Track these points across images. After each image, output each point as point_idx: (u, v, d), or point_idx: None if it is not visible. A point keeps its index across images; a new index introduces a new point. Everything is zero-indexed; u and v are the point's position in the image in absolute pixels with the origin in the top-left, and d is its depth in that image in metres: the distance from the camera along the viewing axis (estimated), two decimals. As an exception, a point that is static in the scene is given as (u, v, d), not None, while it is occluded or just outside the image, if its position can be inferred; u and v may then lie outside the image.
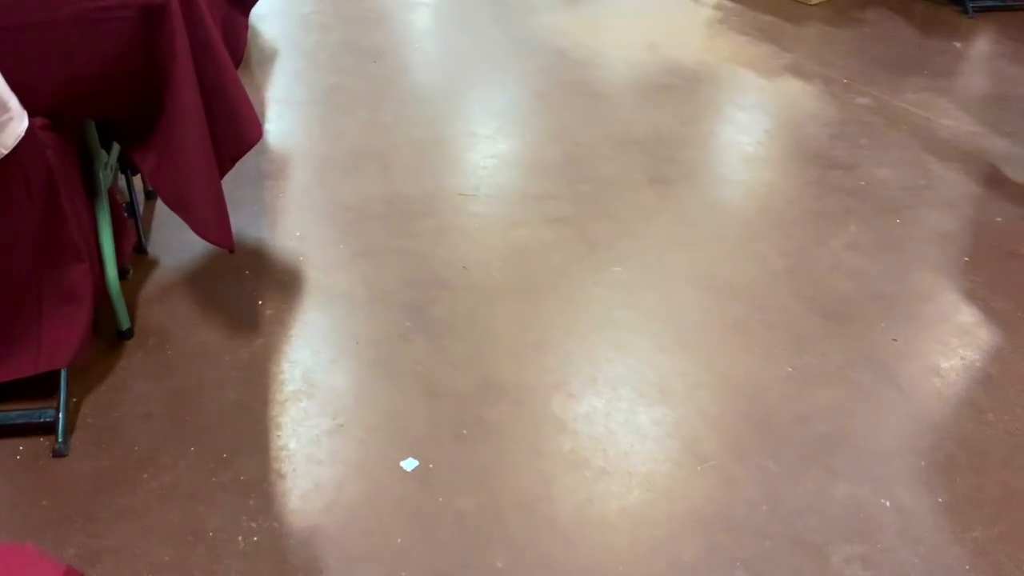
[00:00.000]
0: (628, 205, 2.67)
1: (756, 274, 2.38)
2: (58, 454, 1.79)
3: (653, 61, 3.63)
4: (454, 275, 2.34)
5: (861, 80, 3.52)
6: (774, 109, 3.28)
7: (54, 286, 1.84)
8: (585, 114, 3.20)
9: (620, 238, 2.51)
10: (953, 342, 2.17)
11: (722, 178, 2.84)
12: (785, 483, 1.78)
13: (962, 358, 2.12)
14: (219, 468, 1.78)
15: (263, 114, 3.15)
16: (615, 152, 2.95)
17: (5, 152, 1.60)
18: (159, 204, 2.59)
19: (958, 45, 3.92)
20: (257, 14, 4.00)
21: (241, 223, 2.52)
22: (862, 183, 2.82)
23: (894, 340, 2.17)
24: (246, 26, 2.52)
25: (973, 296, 2.33)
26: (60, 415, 1.81)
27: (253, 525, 1.66)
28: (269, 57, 3.61)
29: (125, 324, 2.08)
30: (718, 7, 4.24)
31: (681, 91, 3.39)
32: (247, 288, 2.28)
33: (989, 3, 4.30)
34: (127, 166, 2.33)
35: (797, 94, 3.40)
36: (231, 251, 2.07)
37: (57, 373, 1.84)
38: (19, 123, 1.61)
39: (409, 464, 1.80)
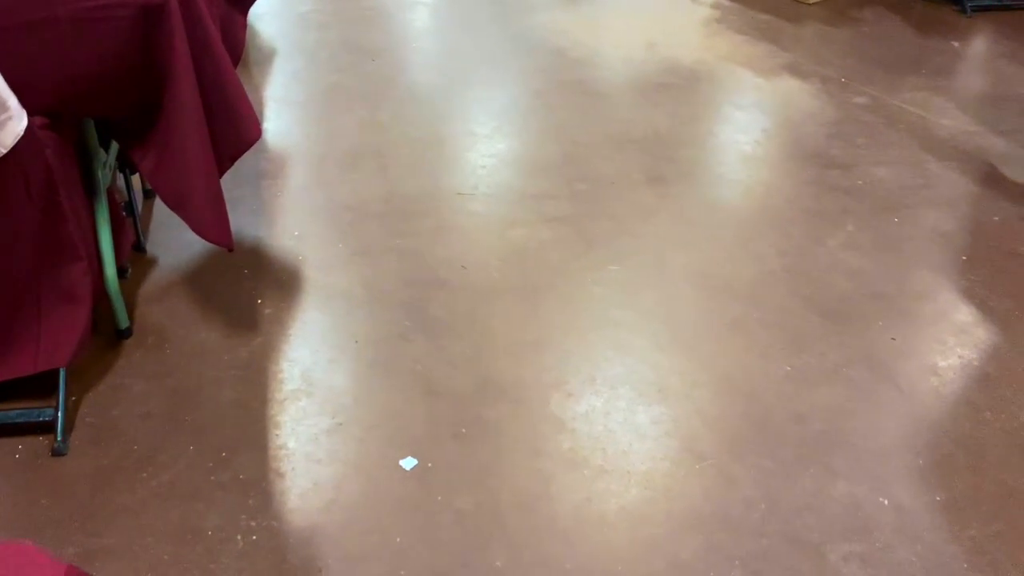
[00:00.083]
0: (626, 204, 2.67)
1: (754, 273, 2.39)
2: (57, 453, 1.79)
3: (651, 60, 3.64)
4: (453, 274, 2.34)
5: (859, 79, 3.53)
6: (772, 108, 3.28)
7: (53, 285, 1.84)
8: (583, 113, 3.20)
9: (618, 237, 2.52)
10: (951, 341, 2.18)
11: (720, 177, 2.84)
12: (783, 482, 1.78)
13: (960, 357, 2.13)
14: (218, 467, 1.78)
15: (261, 113, 3.15)
16: (613, 151, 2.95)
17: (4, 151, 1.60)
18: (158, 203, 2.59)
19: (956, 44, 3.93)
20: (255, 13, 4.00)
21: (240, 222, 2.52)
22: (860, 182, 2.83)
23: (892, 339, 2.17)
24: (244, 25, 2.52)
25: (971, 295, 2.34)
26: (59, 414, 1.82)
27: (252, 524, 1.66)
28: (267, 56, 3.61)
29: (124, 323, 2.08)
30: (716, 6, 4.25)
31: (679, 90, 3.39)
32: (246, 287, 2.28)
33: (987, 2, 4.30)
34: (126, 165, 2.33)
35: (795, 93, 3.40)
36: (230, 250, 2.07)
37: (56, 372, 1.84)
38: (18, 122, 1.61)
39: (408, 463, 1.80)
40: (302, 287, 2.28)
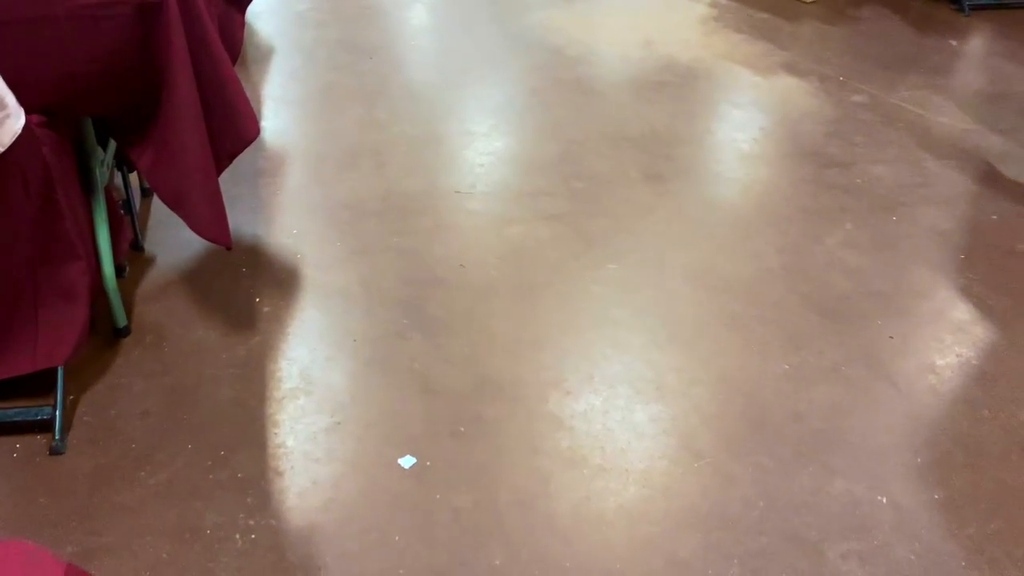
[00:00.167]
0: (624, 202, 2.67)
1: (752, 271, 2.39)
2: (55, 452, 1.79)
3: (648, 58, 3.63)
4: (450, 273, 2.34)
5: (857, 78, 3.53)
6: (770, 107, 3.28)
7: (51, 283, 1.84)
8: (580, 111, 3.20)
9: (616, 235, 2.52)
10: (949, 339, 2.18)
11: (718, 175, 2.84)
12: (781, 480, 1.79)
13: (958, 355, 2.13)
14: (216, 465, 1.78)
15: (259, 112, 3.15)
16: (610, 149, 2.95)
17: (2, 149, 1.60)
18: (156, 201, 2.58)
19: (954, 43, 3.93)
20: (253, 11, 3.99)
21: (238, 221, 2.51)
22: (858, 181, 2.83)
23: (890, 337, 2.17)
24: (242, 23, 2.52)
25: (969, 293, 2.34)
26: (57, 413, 1.81)
27: (251, 522, 1.66)
28: (265, 54, 3.61)
29: (122, 321, 2.08)
30: (713, 4, 4.25)
31: (676, 88, 3.39)
32: (244, 286, 2.28)
33: (985, 1, 4.30)
34: (124, 163, 2.33)
35: (793, 91, 3.40)
36: (228, 248, 2.07)
37: (54, 371, 1.84)
38: (16, 120, 1.61)
39: (406, 461, 1.80)
40: (300, 285, 2.28)
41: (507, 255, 2.42)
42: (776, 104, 3.30)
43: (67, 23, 1.64)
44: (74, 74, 1.71)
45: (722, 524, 1.69)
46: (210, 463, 1.78)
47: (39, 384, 1.87)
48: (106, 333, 2.09)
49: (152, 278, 2.29)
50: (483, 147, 2.95)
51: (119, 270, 2.15)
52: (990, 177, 2.88)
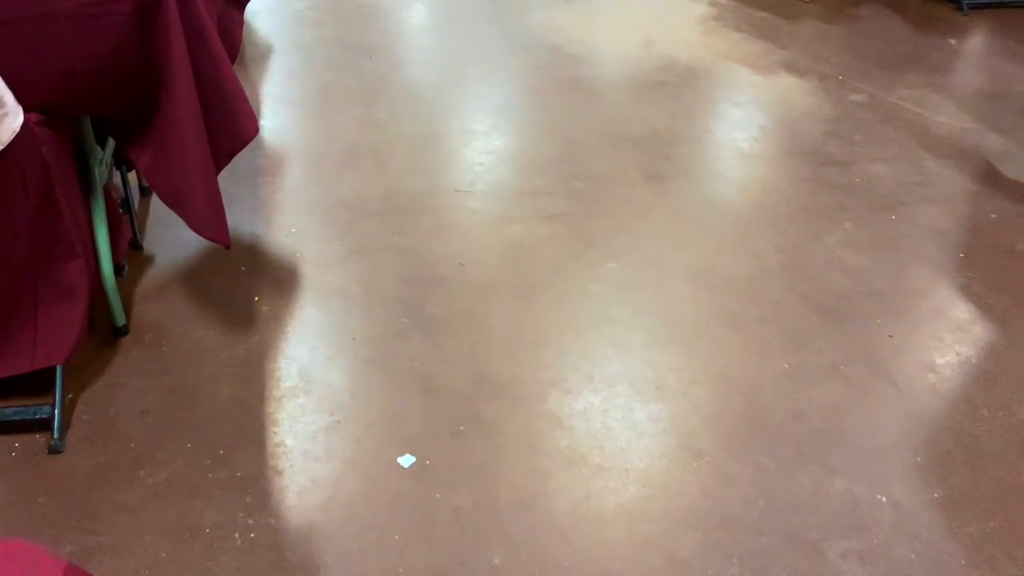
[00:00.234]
0: (623, 201, 2.67)
1: (751, 270, 2.39)
2: (54, 451, 1.78)
3: (648, 58, 3.63)
4: (450, 272, 2.34)
5: (856, 77, 3.53)
6: (769, 106, 3.28)
7: (50, 282, 1.84)
8: (580, 111, 3.20)
9: (615, 234, 2.51)
10: (948, 338, 2.18)
11: (717, 175, 2.84)
12: (781, 479, 1.78)
13: (957, 354, 2.13)
14: (215, 464, 1.77)
15: (258, 111, 3.14)
16: (610, 149, 2.95)
17: (0, 148, 1.59)
18: (154, 200, 2.58)
19: (953, 42, 3.93)
20: (252, 10, 3.99)
21: (237, 220, 2.51)
22: (857, 180, 2.83)
23: (890, 336, 2.17)
24: (241, 22, 2.52)
25: (968, 292, 2.34)
26: (56, 412, 1.81)
27: (250, 522, 1.66)
28: (264, 53, 3.60)
29: (121, 320, 2.08)
30: (713, 4, 4.25)
31: (676, 88, 3.39)
32: (243, 285, 2.27)
33: (983, 0, 4.31)
34: (122, 162, 2.32)
35: (792, 91, 3.40)
36: (227, 247, 2.07)
37: (53, 370, 1.84)
38: (14, 119, 1.61)
39: (406, 460, 1.80)
40: (299, 285, 2.28)
41: (507, 254, 2.42)
42: (775, 103, 3.30)
43: (66, 21, 1.63)
44: (73, 72, 1.70)
45: (722, 523, 1.69)
46: (209, 462, 1.78)
47: (38, 383, 1.87)
48: (105, 332, 2.09)
49: (151, 277, 2.29)
50: (483, 146, 2.95)
51: (118, 269, 2.15)
52: (989, 176, 2.88)
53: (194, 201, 1.90)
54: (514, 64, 3.55)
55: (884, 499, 1.75)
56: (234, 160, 2.00)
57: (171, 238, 2.42)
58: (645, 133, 3.05)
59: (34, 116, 1.73)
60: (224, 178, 1.98)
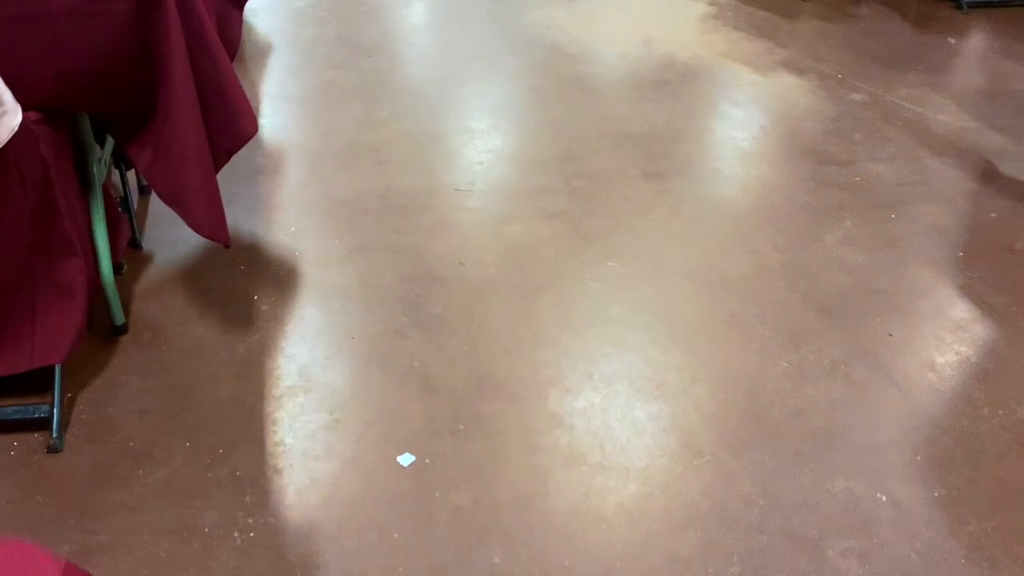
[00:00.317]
0: (623, 200, 2.67)
1: (751, 269, 2.39)
2: (53, 450, 1.78)
3: (648, 56, 3.63)
4: (449, 270, 2.34)
5: (855, 75, 3.53)
6: (768, 104, 3.28)
7: (48, 281, 1.83)
8: (580, 109, 3.19)
9: (615, 233, 2.51)
10: (948, 337, 2.18)
11: (717, 173, 2.84)
12: (781, 478, 1.78)
13: (957, 353, 2.13)
14: (215, 463, 1.77)
15: (257, 109, 3.14)
16: (609, 147, 2.95)
17: (-1, 146, 1.59)
18: (154, 199, 2.58)
19: (952, 40, 3.93)
20: (251, 8, 3.98)
21: (236, 218, 2.51)
22: (857, 178, 2.83)
23: (890, 335, 2.17)
24: (240, 20, 2.51)
25: (968, 291, 2.34)
26: (55, 411, 1.81)
27: (249, 521, 1.66)
28: (263, 52, 3.60)
29: (120, 319, 2.08)
30: (712, 3, 4.24)
31: (675, 86, 3.39)
32: (242, 283, 2.27)
33: (983, -1, 4.31)
34: (121, 160, 2.32)
35: (792, 89, 3.40)
36: (227, 246, 2.07)
37: (52, 368, 1.83)
38: (13, 117, 1.60)
39: (405, 459, 1.80)
40: (298, 283, 2.28)
41: (506, 253, 2.42)
42: (775, 102, 3.30)
43: (64, 19, 1.63)
44: (71, 70, 1.70)
45: (722, 522, 1.69)
46: (208, 461, 1.78)
47: (37, 382, 1.87)
48: (104, 331, 2.09)
49: (150, 276, 2.28)
50: (482, 145, 2.95)
51: (117, 268, 2.15)
52: (989, 175, 2.88)
53: (193, 199, 1.90)
54: (514, 62, 3.55)
55: (884, 498, 1.75)
56: (233, 158, 1.99)
57: (170, 237, 2.42)
58: (645, 132, 3.05)
59: (33, 114, 1.73)
60: (223, 176, 1.98)
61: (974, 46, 3.90)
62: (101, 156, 2.03)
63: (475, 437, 1.85)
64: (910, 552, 1.64)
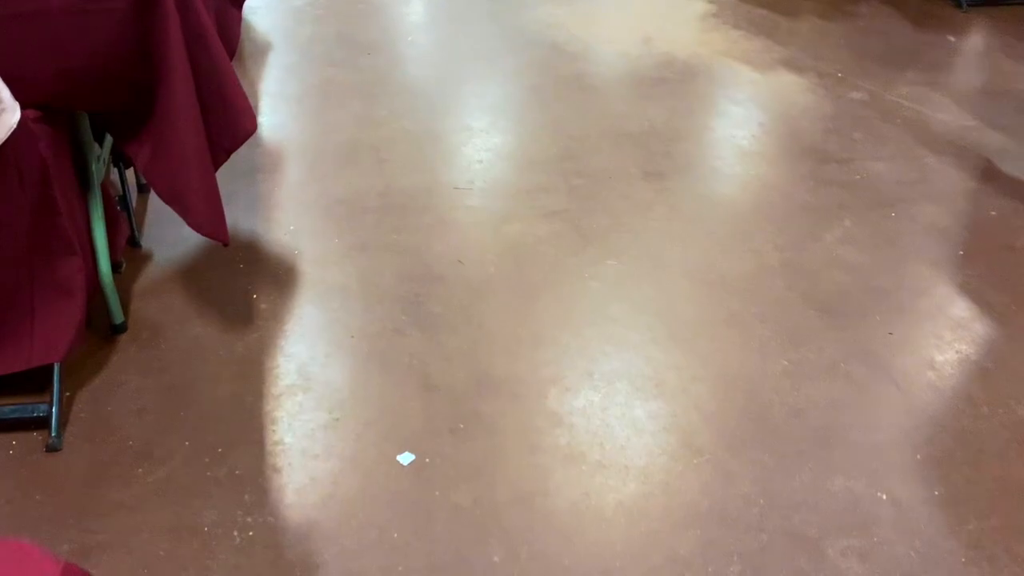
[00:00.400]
0: (622, 199, 2.66)
1: (751, 268, 2.38)
2: (52, 449, 1.78)
3: (647, 55, 3.63)
4: (449, 269, 2.34)
5: (855, 74, 3.52)
6: (768, 103, 3.27)
7: (47, 280, 1.83)
8: (579, 108, 3.19)
9: (614, 232, 2.51)
10: (948, 336, 2.18)
11: (716, 172, 2.84)
12: (781, 477, 1.78)
13: (957, 352, 2.13)
14: (214, 463, 1.77)
15: (256, 108, 3.14)
16: (609, 146, 2.95)
17: (-3, 145, 1.59)
18: (152, 197, 2.57)
19: (952, 39, 3.93)
20: (250, 7, 3.98)
21: (235, 217, 2.50)
22: (857, 177, 2.83)
23: (889, 334, 2.17)
24: (239, 18, 2.51)
25: (968, 290, 2.34)
26: (53, 410, 1.80)
27: (248, 520, 1.65)
28: (262, 50, 3.59)
29: (119, 318, 2.07)
30: (712, 1, 4.24)
31: (675, 85, 3.39)
32: (241, 282, 2.27)
33: (982, -3, 4.31)
34: (120, 159, 2.31)
35: (791, 88, 3.40)
36: (225, 245, 2.06)
37: (50, 367, 1.83)
38: (11, 115, 1.60)
39: (405, 458, 1.79)
40: (297, 282, 2.27)
41: (506, 252, 2.42)
42: (774, 100, 3.30)
43: (62, 17, 1.63)
44: (70, 69, 1.70)
45: (722, 521, 1.69)
46: (207, 460, 1.77)
47: (36, 381, 1.87)
48: (103, 329, 2.08)
49: (149, 274, 2.28)
50: (482, 143, 2.94)
51: (116, 266, 2.14)
52: (988, 173, 2.88)
53: (192, 198, 1.89)
54: (513, 61, 3.55)
55: (884, 496, 1.75)
56: (232, 157, 1.99)
57: (169, 235, 2.41)
58: (644, 130, 3.05)
59: (31, 112, 1.73)
60: (222, 175, 1.97)
61: (974, 44, 3.90)
62: (100, 155, 2.02)
63: (475, 436, 1.85)
64: (910, 551, 1.64)
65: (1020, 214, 2.66)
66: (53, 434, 1.79)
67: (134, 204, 2.50)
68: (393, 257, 2.38)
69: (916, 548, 1.65)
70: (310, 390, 1.95)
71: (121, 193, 2.33)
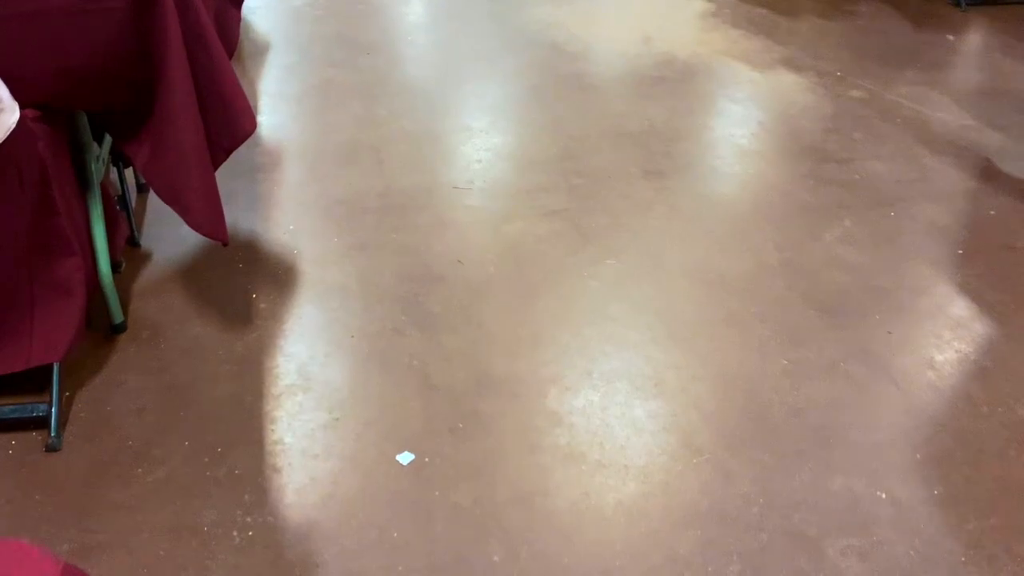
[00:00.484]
0: (622, 198, 2.66)
1: (750, 267, 2.38)
2: (51, 449, 1.78)
3: (647, 55, 3.63)
4: (449, 269, 2.34)
5: (854, 73, 3.52)
6: (767, 102, 3.27)
7: (46, 280, 1.83)
8: (579, 108, 3.19)
9: (614, 231, 2.51)
10: (947, 335, 2.18)
11: (716, 171, 2.84)
12: (781, 476, 1.78)
13: (957, 351, 2.13)
14: (213, 462, 1.77)
15: (256, 107, 3.14)
16: (609, 145, 2.95)
17: (-3, 144, 1.59)
18: (152, 197, 2.57)
19: (951, 38, 3.93)
20: (249, 7, 3.98)
21: (234, 216, 2.50)
22: (856, 176, 2.83)
23: (889, 333, 2.17)
24: (239, 18, 2.51)
25: (967, 289, 2.34)
26: (53, 409, 1.80)
27: (248, 520, 1.65)
28: (262, 50, 3.59)
29: (118, 318, 2.07)
30: (711, 0, 4.24)
31: (675, 84, 3.39)
32: (241, 282, 2.27)
33: (982, -3, 4.31)
34: (119, 158, 2.31)
35: (791, 87, 3.40)
36: (225, 244, 2.06)
37: (50, 367, 1.83)
38: (10, 115, 1.60)
39: (405, 458, 1.79)
40: (297, 281, 2.27)
41: (505, 251, 2.42)
42: (774, 100, 3.30)
43: (62, 17, 1.63)
44: (69, 68, 1.70)
45: (721, 520, 1.69)
46: (207, 460, 1.77)
47: (35, 381, 1.86)
48: (102, 329, 2.08)
49: (148, 274, 2.28)
50: (481, 143, 2.94)
51: (115, 266, 2.14)
52: (988, 173, 2.88)
53: (191, 198, 1.89)
54: (513, 61, 3.55)
55: (884, 496, 1.75)
56: (232, 157, 1.99)
57: (168, 235, 2.41)
58: (644, 130, 3.05)
59: (31, 112, 1.73)
60: (221, 175, 1.97)
61: (973, 44, 3.90)
62: (99, 154, 2.02)
63: (474, 436, 1.85)
64: (909, 550, 1.64)
65: (1019, 214, 2.67)
66: (52, 434, 1.78)
67: (133, 204, 2.50)
68: (393, 257, 2.37)
69: (916, 547, 1.65)
70: (310, 390, 1.95)
71: (120, 193, 2.33)
